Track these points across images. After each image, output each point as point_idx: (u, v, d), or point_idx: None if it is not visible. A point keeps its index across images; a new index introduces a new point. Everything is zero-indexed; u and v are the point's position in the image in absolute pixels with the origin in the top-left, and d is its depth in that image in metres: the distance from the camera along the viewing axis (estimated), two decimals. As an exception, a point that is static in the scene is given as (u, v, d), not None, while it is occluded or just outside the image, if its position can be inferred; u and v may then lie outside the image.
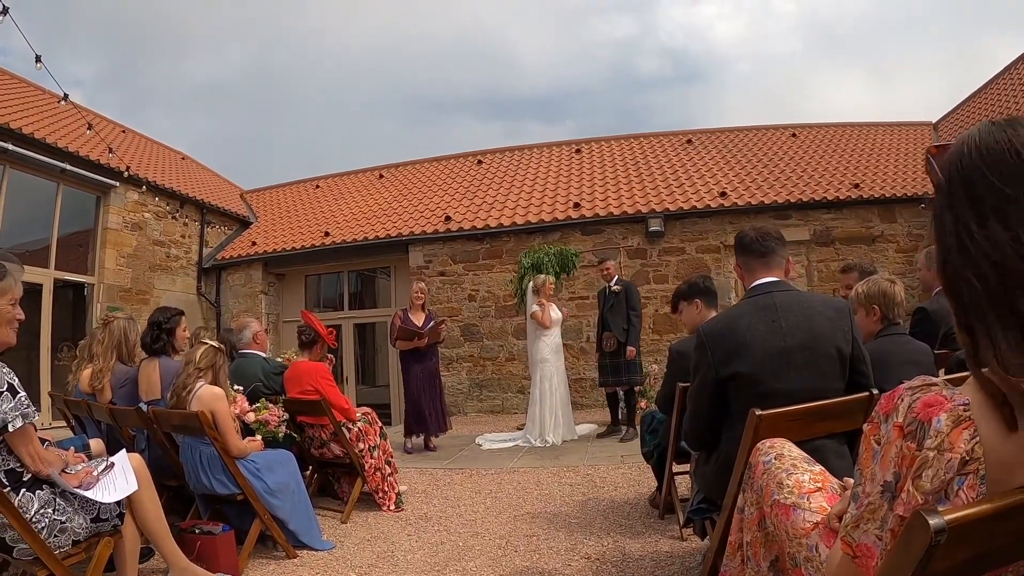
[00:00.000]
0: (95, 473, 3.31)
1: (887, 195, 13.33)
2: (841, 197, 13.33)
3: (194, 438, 4.37)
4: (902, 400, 1.16)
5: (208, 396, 4.29)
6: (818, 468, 2.11)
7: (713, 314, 4.34)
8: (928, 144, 15.60)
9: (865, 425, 1.26)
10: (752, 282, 3.07)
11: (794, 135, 17.84)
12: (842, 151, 16.33)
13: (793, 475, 2.06)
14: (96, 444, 4.52)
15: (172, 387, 4.51)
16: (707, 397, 2.94)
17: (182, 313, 5.45)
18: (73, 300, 13.22)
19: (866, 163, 15.23)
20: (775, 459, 2.18)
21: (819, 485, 2.00)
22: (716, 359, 2.86)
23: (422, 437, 8.92)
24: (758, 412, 2.52)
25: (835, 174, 14.57)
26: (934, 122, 17.64)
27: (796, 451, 2.23)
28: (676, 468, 4.62)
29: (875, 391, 2.82)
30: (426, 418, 8.81)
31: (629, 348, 8.70)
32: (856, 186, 13.61)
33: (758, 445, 2.33)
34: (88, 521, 3.17)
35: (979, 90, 16.60)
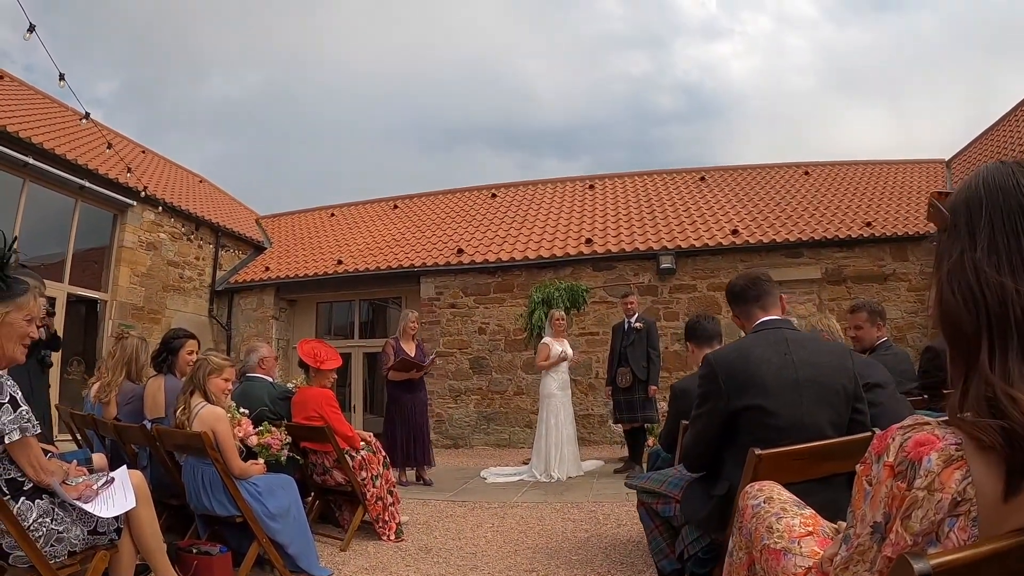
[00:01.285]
0: (95, 487, 3.31)
1: (899, 233, 13.25)
2: (853, 235, 13.28)
3: (196, 458, 4.38)
4: (893, 439, 1.16)
5: (209, 416, 4.30)
6: (808, 512, 2.08)
7: (706, 350, 4.35)
8: (940, 183, 15.62)
9: (858, 465, 1.26)
10: (754, 322, 3.11)
11: (807, 173, 17.84)
12: (855, 189, 16.30)
13: (783, 519, 2.03)
14: (98, 458, 4.54)
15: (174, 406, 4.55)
16: (715, 426, 2.90)
17: (191, 337, 5.50)
18: (86, 315, 13.31)
19: (879, 201, 15.19)
20: (764, 502, 2.15)
21: (810, 529, 1.97)
22: (729, 388, 2.83)
23: (414, 470, 8.73)
24: (758, 452, 2.51)
25: (847, 212, 14.54)
26: (947, 159, 17.62)
27: (786, 494, 2.20)
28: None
29: (876, 431, 2.81)
30: (417, 451, 8.63)
31: (651, 387, 8.71)
32: (868, 224, 13.55)
33: (747, 488, 2.30)
34: (85, 533, 3.16)
35: (991, 127, 16.59)
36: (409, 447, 8.52)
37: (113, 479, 3.47)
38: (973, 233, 1.11)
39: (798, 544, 1.90)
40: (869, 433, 2.81)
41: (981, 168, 1.20)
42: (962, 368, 1.10)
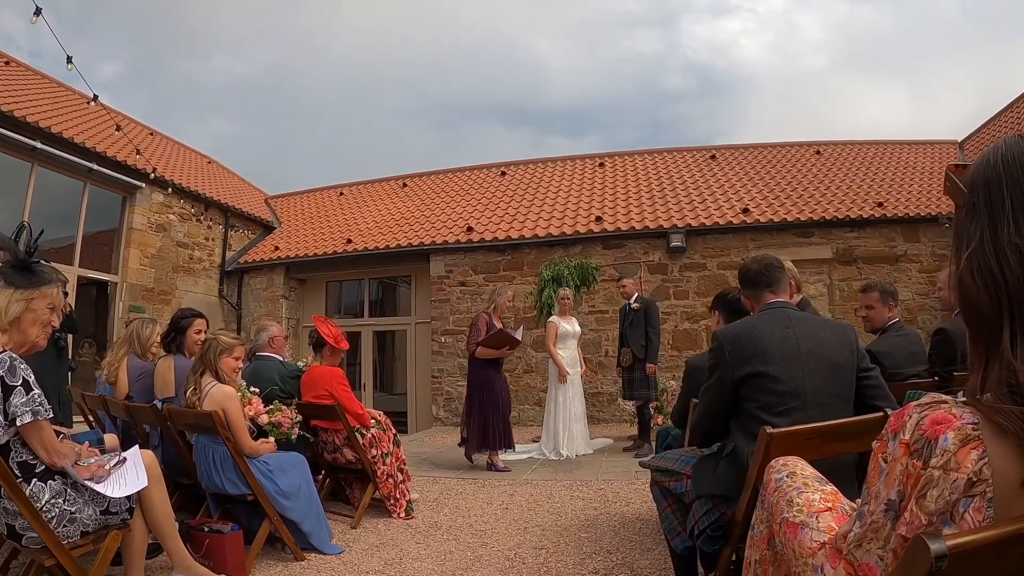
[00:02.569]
0: (107, 467, 3.33)
1: (911, 214, 13.21)
2: (864, 215, 13.20)
3: (207, 437, 4.40)
4: (910, 417, 1.14)
5: (219, 395, 4.32)
6: (830, 488, 2.07)
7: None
8: (954, 160, 15.47)
9: (874, 442, 1.24)
10: (763, 304, 3.21)
11: (818, 152, 17.71)
12: (866, 169, 16.19)
13: (804, 493, 2.02)
14: (110, 439, 4.59)
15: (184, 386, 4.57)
16: (723, 395, 2.97)
17: (199, 316, 5.49)
18: (96, 298, 13.38)
19: (890, 181, 15.11)
20: (787, 477, 2.14)
21: (829, 505, 1.96)
22: (733, 359, 2.92)
23: (486, 453, 8.16)
24: (769, 430, 2.51)
25: (859, 192, 14.44)
26: (960, 140, 17.46)
27: (809, 469, 2.20)
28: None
29: (888, 411, 2.82)
30: (499, 433, 8.08)
31: (648, 365, 8.69)
32: (880, 204, 13.46)
33: (771, 463, 2.29)
34: (98, 513, 3.18)
35: (1005, 108, 16.43)
36: (495, 428, 8.02)
37: (125, 459, 3.49)
38: (993, 213, 1.09)
39: (816, 519, 1.90)
40: (882, 413, 2.81)
41: (999, 142, 1.17)
42: (983, 352, 1.08)
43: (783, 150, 18.26)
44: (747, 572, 2.32)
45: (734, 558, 2.88)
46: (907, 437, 1.12)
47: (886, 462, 1.17)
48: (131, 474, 3.39)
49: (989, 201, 1.10)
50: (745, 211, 13.74)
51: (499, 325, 8.18)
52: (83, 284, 12.55)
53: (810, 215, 13.31)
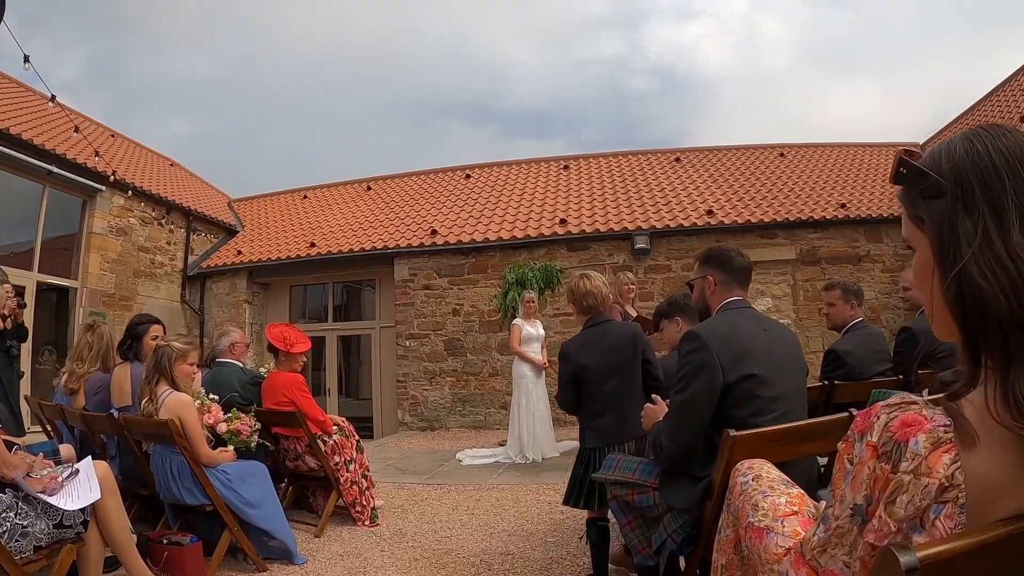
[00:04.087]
0: (59, 479, 3.23)
1: (874, 215, 13.34)
2: (828, 216, 13.30)
3: (164, 447, 4.29)
4: (878, 418, 1.10)
5: (176, 404, 4.22)
6: (796, 491, 2.03)
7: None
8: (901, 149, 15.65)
9: (840, 443, 1.21)
10: (727, 298, 3.10)
11: (782, 154, 17.85)
12: (829, 171, 16.37)
13: (769, 497, 1.99)
14: (66, 450, 4.46)
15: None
16: (709, 404, 2.76)
17: (156, 322, 5.37)
18: (56, 304, 13.08)
19: (853, 183, 15.26)
20: (752, 480, 2.11)
21: (795, 508, 1.93)
22: (724, 361, 2.73)
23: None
24: (733, 433, 2.48)
25: (822, 193, 14.57)
26: (922, 143, 17.65)
27: (775, 472, 2.17)
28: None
29: (854, 411, 2.80)
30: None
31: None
32: (843, 206, 13.59)
33: (737, 465, 2.26)
34: (51, 527, 3.08)
35: (966, 112, 16.66)
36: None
37: (78, 471, 3.39)
38: (996, 208, 1.03)
39: (781, 523, 1.86)
40: (847, 414, 2.80)
41: (979, 133, 1.12)
42: (1001, 358, 1.01)
43: (747, 152, 18.37)
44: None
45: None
46: (875, 439, 1.08)
47: (852, 464, 1.13)
48: (84, 486, 3.29)
49: (989, 195, 1.04)
50: (709, 212, 13.77)
51: (632, 312, 7.59)
52: (43, 290, 12.23)
53: (774, 216, 13.39)
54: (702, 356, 2.77)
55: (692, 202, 14.69)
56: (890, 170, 1.22)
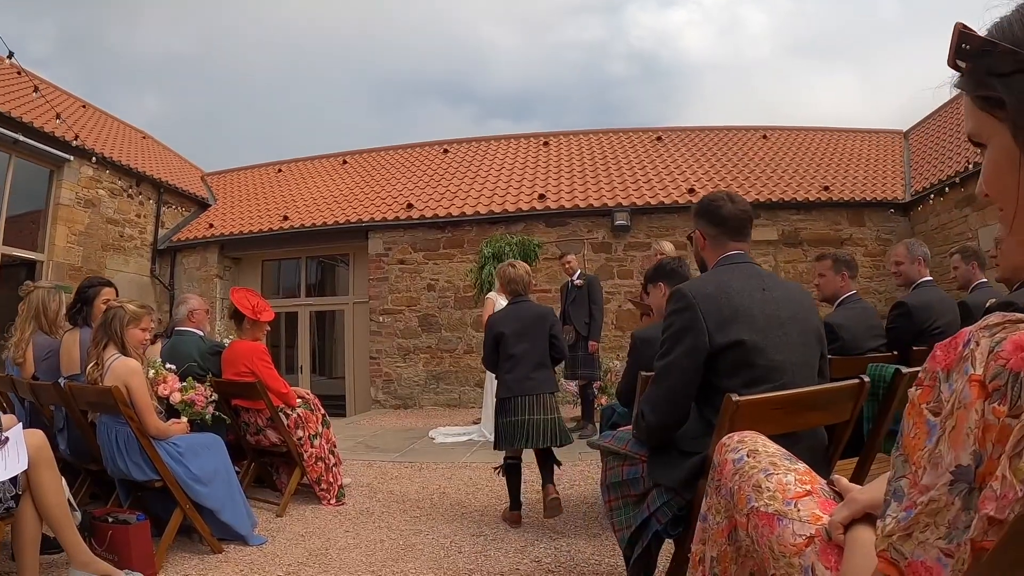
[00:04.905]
0: (-14, 449, 2.92)
1: (857, 199, 13.36)
2: (811, 199, 13.26)
3: (110, 417, 3.96)
4: (976, 344, 0.80)
5: (122, 370, 3.87)
6: (802, 467, 1.70)
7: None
8: (897, 154, 15.60)
9: (912, 391, 0.91)
10: (722, 253, 2.74)
11: (765, 137, 17.68)
12: (812, 154, 16.29)
13: (773, 476, 1.65)
14: (8, 419, 4.09)
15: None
16: (693, 371, 2.46)
17: (108, 284, 5.02)
18: (24, 279, 12.62)
19: (836, 167, 15.22)
20: (748, 456, 1.76)
21: (808, 488, 1.60)
22: (711, 323, 2.43)
23: None
24: (735, 397, 2.18)
25: (805, 176, 14.49)
26: (905, 131, 17.54)
27: (772, 446, 1.82)
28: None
29: (865, 378, 2.54)
30: None
31: (591, 342, 8.41)
32: (826, 188, 13.57)
33: (723, 440, 1.92)
34: (-25, 501, 2.77)
35: (951, 100, 16.42)
36: None
37: (7, 439, 3.06)
38: None
39: (795, 507, 1.54)
40: (857, 380, 2.52)
41: None
42: None
43: (730, 134, 18.17)
44: (696, 569, 1.98)
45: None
46: (979, 372, 0.78)
47: (937, 415, 0.83)
48: (12, 456, 2.97)
49: None
50: (691, 191, 13.57)
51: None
52: (11, 265, 11.81)
53: (756, 197, 13.19)
54: (685, 317, 2.48)
55: (673, 180, 14.50)
56: (949, 49, 0.92)
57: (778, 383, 2.39)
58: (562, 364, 8.94)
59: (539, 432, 4.65)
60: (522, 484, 4.88)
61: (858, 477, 2.79)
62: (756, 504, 1.62)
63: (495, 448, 4.98)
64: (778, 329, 2.47)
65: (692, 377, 2.47)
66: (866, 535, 1.34)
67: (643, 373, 3.68)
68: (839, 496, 1.57)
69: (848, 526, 1.39)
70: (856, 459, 2.93)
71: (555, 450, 4.84)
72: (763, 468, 1.70)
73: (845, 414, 2.56)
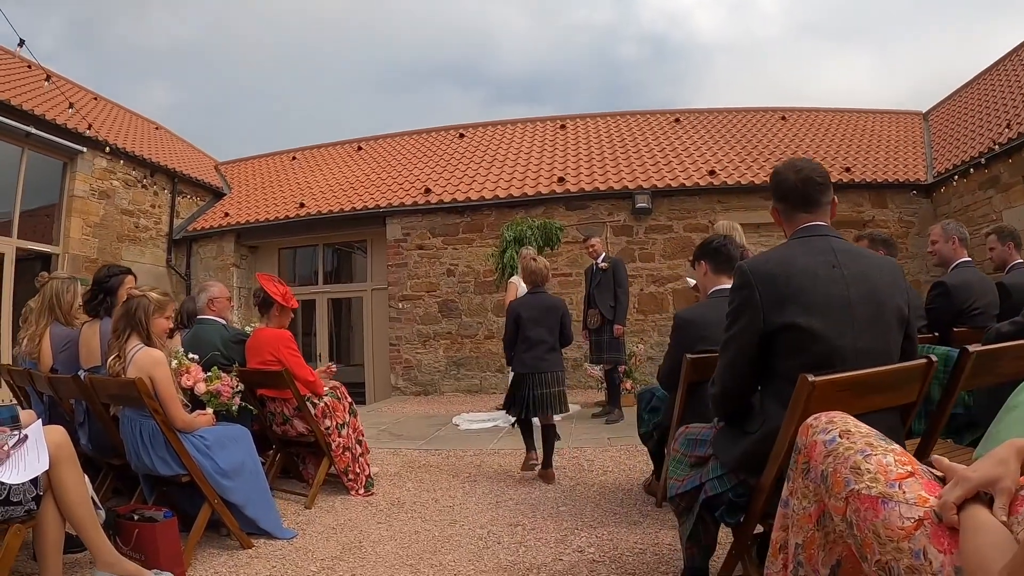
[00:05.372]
0: (6, 447, 2.78)
1: (879, 180, 13.18)
2: (832, 180, 12.87)
3: (133, 410, 3.83)
4: None
5: (146, 361, 3.72)
6: (897, 447, 1.61)
7: (724, 280, 3.86)
8: (918, 136, 15.40)
9: None
10: (797, 225, 2.58)
11: (784, 118, 17.45)
12: (832, 135, 16.09)
13: (872, 456, 1.54)
14: (27, 415, 3.97)
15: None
16: (750, 348, 2.39)
17: (128, 272, 4.87)
18: (40, 271, 12.57)
19: (856, 148, 15.02)
20: (840, 436, 1.66)
21: (909, 469, 1.49)
22: (766, 302, 2.32)
23: None
24: (811, 378, 2.05)
25: (825, 157, 14.23)
26: (924, 112, 17.28)
27: (864, 426, 1.71)
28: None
29: (933, 357, 2.39)
30: None
31: (616, 326, 8.26)
32: (847, 170, 13.40)
33: (809, 421, 1.80)
34: (-6, 504, 2.63)
35: (971, 81, 16.21)
36: None
37: (27, 436, 2.92)
38: None
39: (899, 489, 1.44)
40: (923, 360, 2.37)
41: None
42: None
43: (749, 115, 17.94)
44: (777, 557, 1.86)
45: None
46: None
47: None
48: (32, 455, 2.83)
49: None
50: (712, 173, 13.40)
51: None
52: (27, 259, 11.76)
53: (778, 178, 12.93)
54: (744, 294, 2.41)
55: (694, 162, 14.32)
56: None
57: (837, 369, 2.22)
58: (588, 349, 8.88)
59: (547, 402, 5.55)
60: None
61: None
62: (856, 487, 1.52)
63: (505, 410, 5.97)
64: (843, 311, 2.31)
65: (750, 353, 2.40)
66: (983, 515, 1.28)
67: (688, 356, 3.55)
68: (939, 479, 1.48)
69: (961, 507, 1.32)
70: (918, 442, 2.79)
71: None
72: (860, 449, 1.60)
73: (912, 395, 2.42)
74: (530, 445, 5.67)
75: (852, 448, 1.61)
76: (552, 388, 5.62)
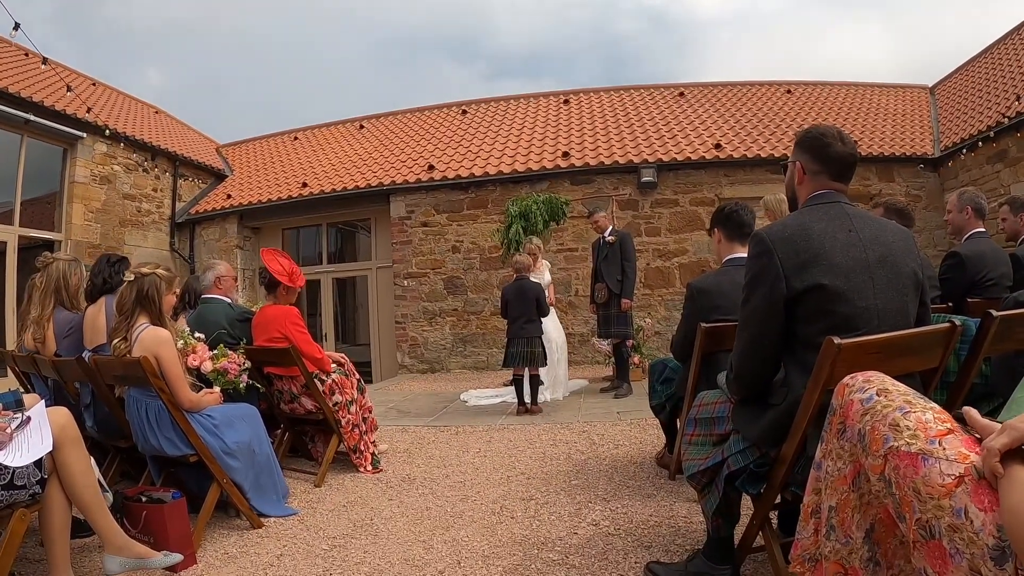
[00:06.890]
0: (8, 430, 2.71)
1: (886, 153, 13.09)
2: (839, 152, 12.83)
3: (139, 390, 3.76)
4: None
5: (151, 339, 3.65)
6: (936, 405, 1.55)
7: (738, 249, 3.79)
8: (924, 109, 15.27)
9: None
10: (815, 190, 2.49)
11: (789, 92, 17.30)
12: (838, 109, 15.97)
13: (911, 414, 1.49)
14: (30, 398, 3.91)
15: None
16: (774, 319, 2.30)
17: (125, 259, 4.83)
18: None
19: (863, 122, 14.93)
20: (877, 394, 1.61)
21: (948, 427, 1.44)
22: (787, 267, 2.24)
23: None
24: (837, 341, 1.99)
25: (832, 130, 14.00)
26: (931, 86, 17.13)
27: (902, 385, 1.66)
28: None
29: (957, 321, 2.34)
30: None
31: (624, 300, 8.19)
32: (855, 143, 13.12)
33: (845, 380, 1.74)
34: (-1, 487, 2.57)
35: (978, 55, 16.04)
36: None
37: (30, 419, 2.85)
38: None
39: (939, 445, 1.39)
40: (947, 325, 2.31)
41: None
42: None
43: (753, 89, 17.82)
44: (809, 522, 1.80)
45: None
46: None
47: None
48: (35, 437, 2.76)
49: None
50: (717, 146, 13.27)
51: None
52: (29, 247, 11.66)
53: (784, 151, 12.79)
54: (762, 262, 2.32)
55: (699, 136, 14.19)
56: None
57: (861, 332, 2.17)
58: (596, 323, 8.83)
59: (530, 358, 7.39)
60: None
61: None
62: (896, 444, 1.47)
63: (503, 366, 7.82)
64: (863, 273, 2.25)
65: (773, 325, 2.31)
66: None
67: (703, 325, 3.48)
68: (977, 438, 1.41)
69: (1006, 461, 1.25)
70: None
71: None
72: (898, 406, 1.55)
73: (935, 360, 2.36)
74: (520, 400, 7.55)
75: (890, 406, 1.56)
76: (532, 348, 7.42)
